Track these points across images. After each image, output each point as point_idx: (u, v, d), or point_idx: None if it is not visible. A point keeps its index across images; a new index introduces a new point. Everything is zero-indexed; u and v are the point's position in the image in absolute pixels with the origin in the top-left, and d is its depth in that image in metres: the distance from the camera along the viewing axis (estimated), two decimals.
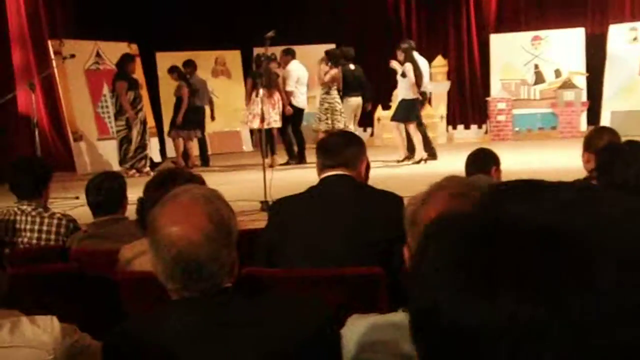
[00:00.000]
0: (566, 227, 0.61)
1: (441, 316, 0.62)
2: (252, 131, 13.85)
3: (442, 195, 1.79)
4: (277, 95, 11.35)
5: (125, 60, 11.28)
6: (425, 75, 11.21)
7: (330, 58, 11.24)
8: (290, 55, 11.69)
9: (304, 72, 11.80)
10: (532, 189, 0.68)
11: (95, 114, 12.64)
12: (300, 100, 11.71)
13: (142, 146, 11.43)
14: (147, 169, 11.30)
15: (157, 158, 12.77)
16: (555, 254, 0.60)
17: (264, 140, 8.61)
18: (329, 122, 11.04)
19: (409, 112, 10.72)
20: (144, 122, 11.41)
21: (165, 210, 1.81)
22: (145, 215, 2.69)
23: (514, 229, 0.62)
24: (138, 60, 12.53)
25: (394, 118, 11.04)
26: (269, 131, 11.17)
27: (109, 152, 12.37)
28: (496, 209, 0.66)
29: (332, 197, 3.18)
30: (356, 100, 11.43)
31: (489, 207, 0.67)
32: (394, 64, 10.88)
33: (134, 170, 11.15)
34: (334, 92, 11.15)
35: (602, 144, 3.89)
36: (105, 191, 3.81)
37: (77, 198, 8.58)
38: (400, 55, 10.89)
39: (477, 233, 0.64)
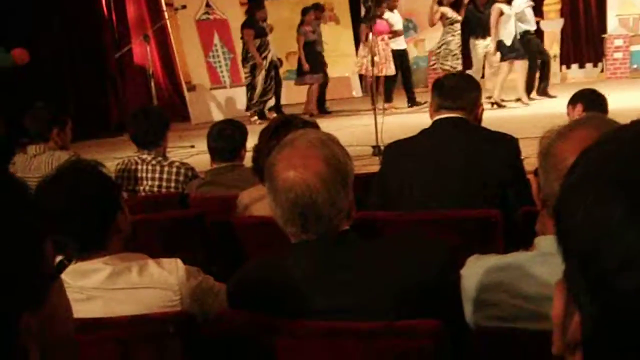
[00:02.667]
0: None
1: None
2: (361, 77, 13.78)
3: (584, 132, 1.68)
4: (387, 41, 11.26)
5: (253, 8, 11.32)
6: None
7: None
8: None
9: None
10: None
11: (207, 64, 12.87)
12: (401, 41, 11.69)
13: (266, 92, 11.46)
14: (255, 118, 11.30)
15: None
16: None
17: (374, 86, 8.56)
18: (442, 62, 10.95)
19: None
20: (268, 69, 11.35)
21: (283, 156, 1.84)
22: (260, 162, 2.74)
23: None
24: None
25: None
26: (385, 78, 11.16)
27: (222, 101, 12.62)
28: None
29: (448, 139, 3.14)
30: (482, 44, 11.14)
31: None
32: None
33: (255, 117, 11.23)
34: (447, 33, 10.99)
35: None
36: (226, 138, 3.90)
37: (192, 147, 8.83)
38: None
39: None
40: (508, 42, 10.56)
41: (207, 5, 13.01)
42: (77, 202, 2.04)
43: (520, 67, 10.63)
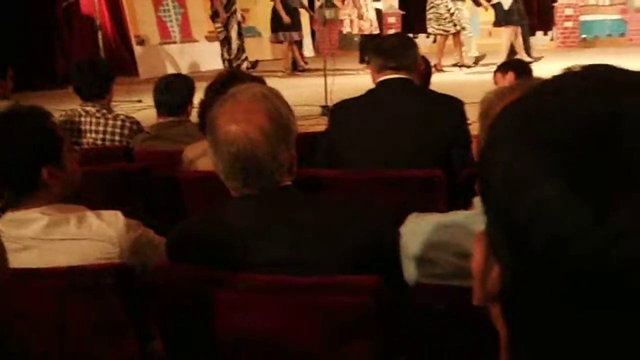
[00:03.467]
0: None
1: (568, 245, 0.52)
2: (314, 36, 13.70)
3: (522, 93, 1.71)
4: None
5: None
6: None
7: None
8: None
9: None
10: None
11: (157, 18, 12.65)
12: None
13: (242, 48, 11.30)
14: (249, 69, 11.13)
15: (219, 64, 12.71)
16: None
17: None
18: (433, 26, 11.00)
19: None
20: (239, 24, 11.22)
21: (225, 109, 1.82)
22: (206, 118, 2.71)
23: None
24: None
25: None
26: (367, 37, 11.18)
27: (171, 56, 12.43)
28: (609, 102, 0.55)
29: (396, 101, 3.15)
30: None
31: (597, 99, 0.56)
32: None
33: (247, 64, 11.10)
34: None
35: None
36: (173, 91, 3.84)
37: (139, 101, 8.70)
38: None
39: (590, 130, 0.53)
40: (506, 7, 10.68)
41: None
42: (10, 150, 1.99)
43: (517, 32, 10.81)
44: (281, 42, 11.69)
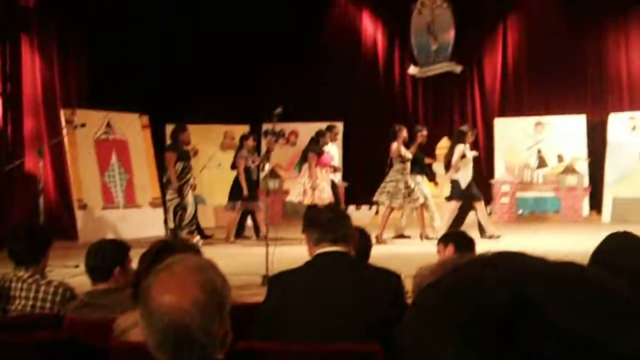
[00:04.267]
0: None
1: None
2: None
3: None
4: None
5: (177, 131, 11.33)
6: None
7: None
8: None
9: None
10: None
11: (102, 183, 12.70)
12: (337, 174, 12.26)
13: (195, 215, 11.38)
14: (198, 238, 11.14)
15: (161, 231, 12.65)
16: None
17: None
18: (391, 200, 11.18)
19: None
20: (193, 190, 11.32)
21: (158, 280, 1.80)
22: (139, 287, 2.66)
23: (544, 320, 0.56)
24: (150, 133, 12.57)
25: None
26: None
27: (113, 222, 12.38)
28: (514, 288, 0.58)
29: (333, 275, 3.15)
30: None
31: (503, 284, 0.59)
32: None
33: (198, 237, 11.08)
34: (397, 171, 11.22)
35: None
36: (103, 256, 3.78)
37: (77, 266, 8.52)
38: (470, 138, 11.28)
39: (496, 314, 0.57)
40: (463, 185, 11.08)
41: (108, 125, 12.98)
42: None
43: (480, 206, 11.16)
44: (232, 210, 11.78)
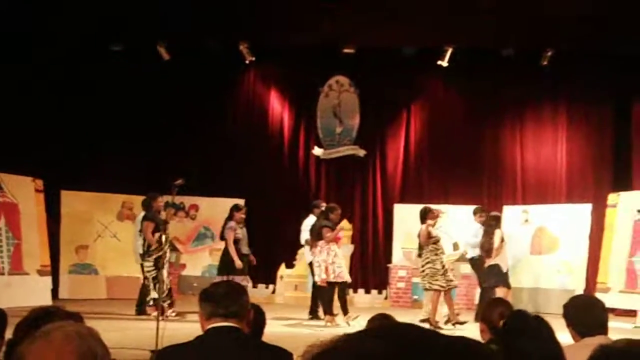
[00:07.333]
0: None
1: None
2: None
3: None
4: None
5: (149, 200, 11.10)
6: None
7: None
8: None
9: None
10: None
11: None
12: None
13: (170, 288, 11.05)
14: (173, 309, 10.85)
15: (48, 300, 12.12)
16: None
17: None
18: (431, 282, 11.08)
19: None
20: (169, 264, 11.06)
21: (33, 348, 1.69)
22: (12, 357, 2.50)
23: None
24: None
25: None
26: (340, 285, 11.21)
27: None
28: None
29: (221, 349, 3.07)
30: None
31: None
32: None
33: (172, 310, 10.78)
34: (431, 252, 11.22)
35: (495, 315, 4.11)
36: None
37: None
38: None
39: None
40: (504, 269, 11.44)
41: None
42: None
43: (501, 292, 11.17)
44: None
